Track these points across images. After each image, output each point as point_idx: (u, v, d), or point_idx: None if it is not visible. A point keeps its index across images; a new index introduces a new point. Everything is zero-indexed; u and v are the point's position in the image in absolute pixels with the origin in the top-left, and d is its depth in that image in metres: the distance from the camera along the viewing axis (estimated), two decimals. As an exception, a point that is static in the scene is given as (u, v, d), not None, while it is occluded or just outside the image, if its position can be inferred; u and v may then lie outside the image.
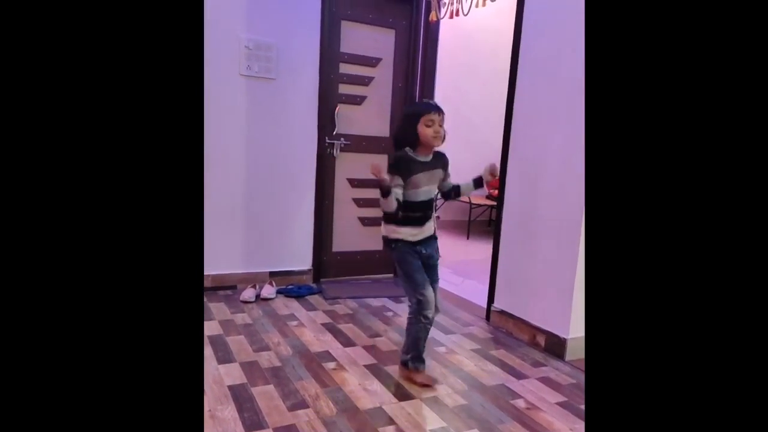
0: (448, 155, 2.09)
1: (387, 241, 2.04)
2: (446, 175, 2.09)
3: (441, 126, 1.93)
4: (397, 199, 1.91)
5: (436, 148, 2.00)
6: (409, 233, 1.99)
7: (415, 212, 1.98)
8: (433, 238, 2.10)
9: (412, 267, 2.00)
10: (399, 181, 1.92)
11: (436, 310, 2.04)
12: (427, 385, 2.03)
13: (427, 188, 1.98)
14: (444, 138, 1.96)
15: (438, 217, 5.37)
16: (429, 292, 1.99)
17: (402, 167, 1.93)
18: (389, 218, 1.99)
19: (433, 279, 2.07)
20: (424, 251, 2.04)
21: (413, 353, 2.06)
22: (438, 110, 1.94)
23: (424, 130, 1.91)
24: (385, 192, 1.87)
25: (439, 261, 2.11)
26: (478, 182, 2.12)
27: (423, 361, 2.08)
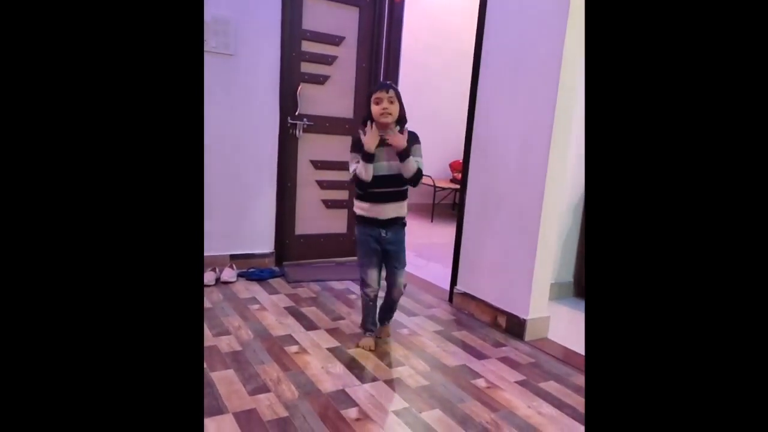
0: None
1: (355, 216, 2.17)
2: (411, 152, 2.03)
3: (391, 103, 1.98)
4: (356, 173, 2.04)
5: (408, 128, 2.06)
6: (367, 209, 2.09)
7: (373, 187, 2.04)
8: (398, 224, 2.15)
9: (363, 247, 2.15)
10: (356, 157, 2.03)
11: (399, 291, 2.20)
12: (368, 348, 2.19)
13: (386, 163, 2.04)
14: (396, 115, 2.00)
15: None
16: (372, 274, 2.14)
17: (358, 144, 2.03)
18: (357, 194, 2.11)
19: (395, 266, 2.17)
20: (384, 234, 2.11)
21: (362, 320, 2.30)
22: (385, 88, 2.00)
23: (373, 108, 2.00)
24: (369, 157, 1.98)
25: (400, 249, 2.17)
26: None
27: (370, 329, 2.26)
